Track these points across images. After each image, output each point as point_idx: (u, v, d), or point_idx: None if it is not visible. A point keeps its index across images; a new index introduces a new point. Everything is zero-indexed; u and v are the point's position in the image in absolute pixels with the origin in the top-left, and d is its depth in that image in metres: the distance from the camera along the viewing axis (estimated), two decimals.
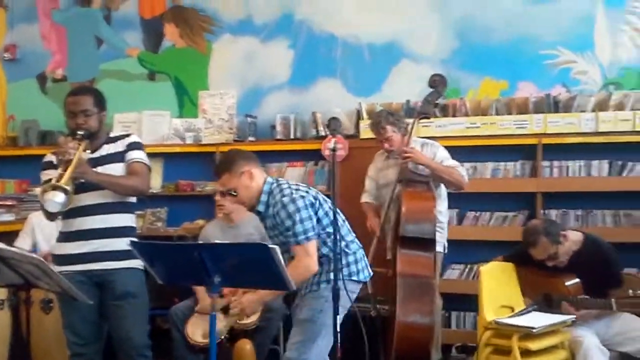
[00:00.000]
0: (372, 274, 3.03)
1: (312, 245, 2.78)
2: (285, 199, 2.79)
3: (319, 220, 2.83)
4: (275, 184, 2.87)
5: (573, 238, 3.40)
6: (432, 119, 4.38)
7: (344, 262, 2.88)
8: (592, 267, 3.32)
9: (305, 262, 2.76)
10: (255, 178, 2.85)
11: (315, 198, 2.86)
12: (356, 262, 2.93)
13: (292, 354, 2.79)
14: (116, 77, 5.61)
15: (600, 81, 4.71)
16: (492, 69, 4.86)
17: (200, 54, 5.49)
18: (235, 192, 2.84)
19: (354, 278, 2.92)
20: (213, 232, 4.09)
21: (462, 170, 3.90)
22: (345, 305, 2.83)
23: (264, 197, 2.85)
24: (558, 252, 3.33)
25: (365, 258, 3.02)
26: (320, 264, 2.82)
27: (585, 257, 3.36)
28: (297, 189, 2.85)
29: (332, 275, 2.77)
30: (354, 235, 3.02)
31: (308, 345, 2.77)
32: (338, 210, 2.97)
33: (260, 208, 2.86)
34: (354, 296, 2.91)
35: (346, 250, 2.91)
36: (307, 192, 2.86)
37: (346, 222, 3.01)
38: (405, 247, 3.56)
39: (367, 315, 3.66)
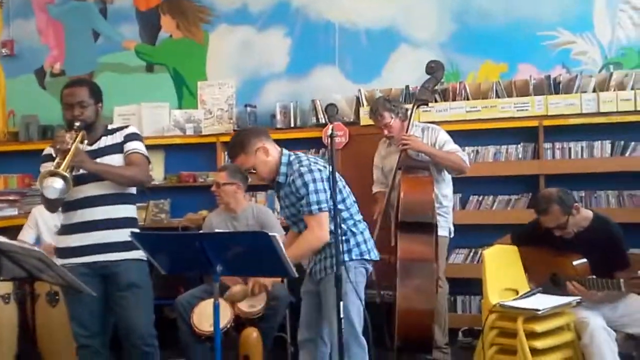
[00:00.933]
0: (379, 255, 3.07)
1: (325, 217, 2.81)
2: (303, 169, 2.83)
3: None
4: (293, 156, 2.93)
5: (583, 214, 3.39)
6: (432, 103, 4.36)
7: (353, 242, 2.92)
8: (600, 246, 3.30)
9: (317, 233, 2.80)
10: (270, 152, 2.90)
11: None
12: (365, 241, 2.98)
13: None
14: (114, 70, 5.60)
15: (601, 61, 4.70)
16: (492, 51, 4.85)
17: (198, 45, 5.48)
18: (254, 170, 2.88)
19: (366, 257, 2.96)
20: (215, 222, 4.10)
21: (463, 155, 3.88)
22: (361, 281, 2.92)
23: (283, 169, 2.90)
24: (568, 223, 3.30)
25: (372, 238, 3.06)
26: (329, 244, 2.84)
27: (593, 235, 3.34)
28: (315, 162, 2.90)
29: (343, 257, 2.82)
30: (361, 216, 3.06)
31: (348, 329, 2.78)
32: (350, 191, 3.03)
33: (281, 179, 2.90)
34: (367, 274, 2.98)
35: (353, 229, 2.94)
36: (324, 167, 2.91)
37: (356, 203, 3.04)
38: (405, 231, 3.56)
39: (372, 302, 3.66)
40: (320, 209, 2.80)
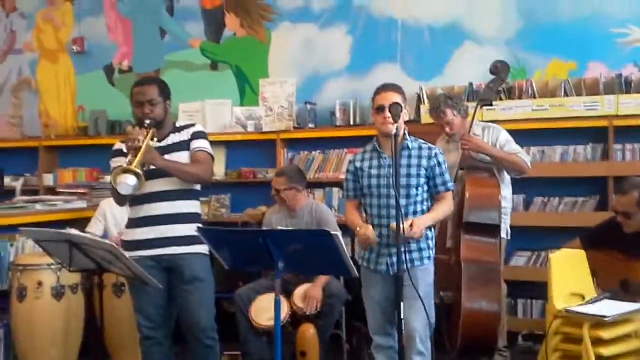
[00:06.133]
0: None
1: None
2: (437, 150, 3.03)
3: None
4: None
5: None
6: (496, 102, 4.26)
7: (431, 235, 3.04)
8: None
9: (453, 203, 3.09)
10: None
11: None
12: (434, 238, 3.08)
13: (423, 330, 2.91)
14: (180, 68, 5.72)
15: None
16: (560, 48, 4.70)
17: (260, 43, 5.53)
18: (397, 109, 2.86)
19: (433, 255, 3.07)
20: (275, 220, 4.14)
21: (525, 156, 3.77)
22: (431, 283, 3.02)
23: (411, 137, 3.01)
24: (636, 216, 3.22)
25: None
26: (426, 237, 2.97)
27: None
28: None
29: (432, 253, 3.00)
30: None
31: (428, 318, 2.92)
32: None
33: (414, 145, 3.00)
34: None
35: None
36: None
37: None
38: (470, 233, 3.50)
39: None
40: (452, 186, 3.07)
